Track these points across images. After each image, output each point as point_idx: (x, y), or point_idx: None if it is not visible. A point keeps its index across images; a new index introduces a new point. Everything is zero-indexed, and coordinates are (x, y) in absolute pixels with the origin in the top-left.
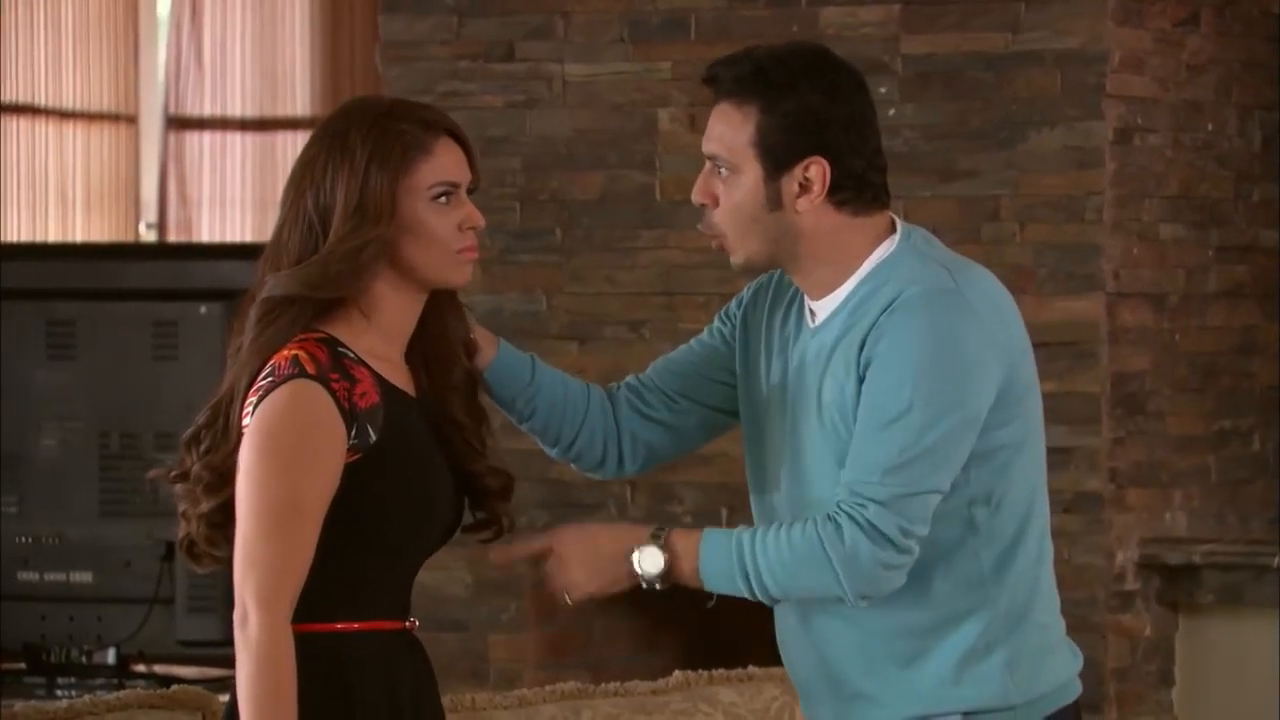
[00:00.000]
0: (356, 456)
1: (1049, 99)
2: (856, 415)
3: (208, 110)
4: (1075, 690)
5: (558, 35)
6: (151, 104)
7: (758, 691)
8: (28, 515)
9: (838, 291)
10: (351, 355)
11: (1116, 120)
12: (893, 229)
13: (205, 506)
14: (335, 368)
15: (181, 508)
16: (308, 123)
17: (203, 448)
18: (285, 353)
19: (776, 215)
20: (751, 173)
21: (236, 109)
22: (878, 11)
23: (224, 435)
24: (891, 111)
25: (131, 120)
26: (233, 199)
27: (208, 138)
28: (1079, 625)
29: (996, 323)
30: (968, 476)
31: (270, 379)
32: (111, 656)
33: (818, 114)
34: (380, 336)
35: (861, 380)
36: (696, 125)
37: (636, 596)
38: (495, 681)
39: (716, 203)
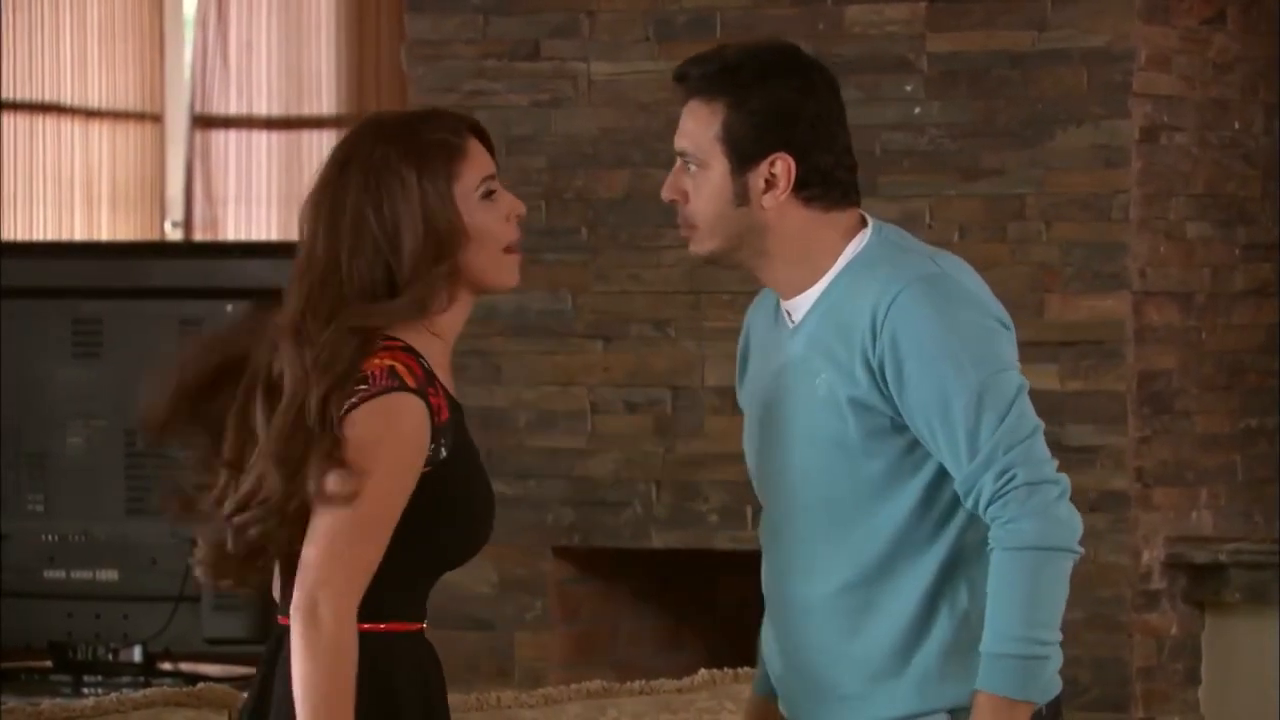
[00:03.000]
0: (427, 469)
1: (1075, 97)
2: (918, 424)
3: (233, 109)
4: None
5: (583, 34)
6: (177, 103)
7: None
8: (54, 513)
9: (812, 289)
10: (428, 368)
11: (1143, 118)
12: (863, 225)
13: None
14: (430, 382)
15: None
16: (333, 121)
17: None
18: (377, 361)
19: (743, 211)
20: (718, 168)
21: (262, 108)
22: (903, 9)
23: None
24: (917, 110)
25: (157, 119)
26: (259, 197)
27: (233, 136)
28: (1105, 624)
29: (988, 296)
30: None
31: (368, 388)
32: (138, 654)
33: (783, 110)
34: (441, 348)
35: (876, 377)
36: None
37: (659, 594)
38: (520, 680)
39: (686, 199)
